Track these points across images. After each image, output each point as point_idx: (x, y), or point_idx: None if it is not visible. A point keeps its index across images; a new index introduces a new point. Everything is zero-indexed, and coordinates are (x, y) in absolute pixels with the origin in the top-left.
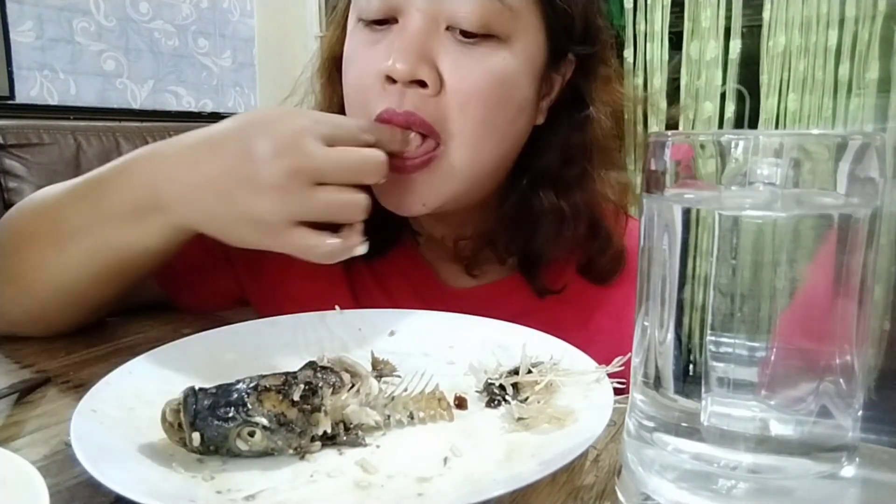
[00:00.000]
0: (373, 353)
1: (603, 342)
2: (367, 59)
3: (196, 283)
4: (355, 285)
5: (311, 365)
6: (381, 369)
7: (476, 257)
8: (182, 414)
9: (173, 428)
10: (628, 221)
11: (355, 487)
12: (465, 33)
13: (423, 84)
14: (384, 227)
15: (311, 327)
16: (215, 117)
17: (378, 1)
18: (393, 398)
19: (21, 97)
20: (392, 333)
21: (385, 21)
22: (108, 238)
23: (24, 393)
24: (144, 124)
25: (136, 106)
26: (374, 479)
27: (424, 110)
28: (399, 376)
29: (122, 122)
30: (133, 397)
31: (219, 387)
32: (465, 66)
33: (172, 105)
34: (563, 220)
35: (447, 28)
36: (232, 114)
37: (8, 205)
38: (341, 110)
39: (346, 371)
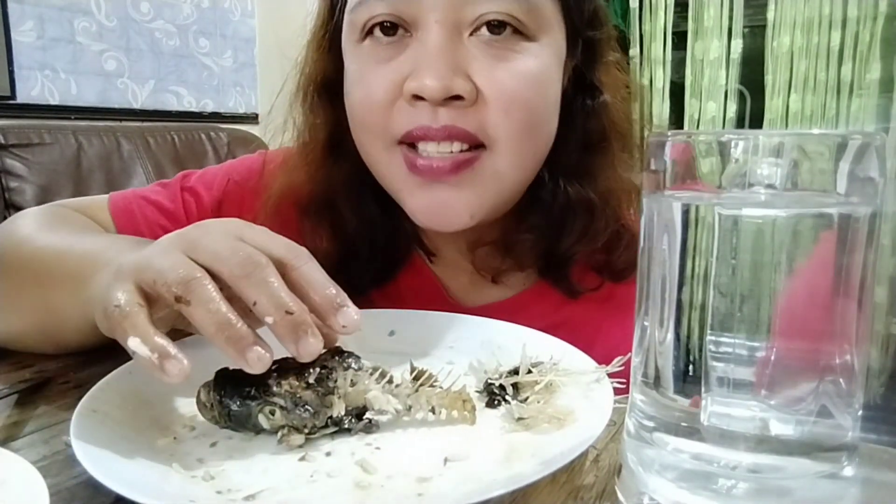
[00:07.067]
0: (412, 363)
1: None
2: (381, 76)
3: None
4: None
5: (333, 349)
6: (421, 379)
7: (497, 267)
8: (212, 393)
9: (206, 407)
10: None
11: (355, 487)
12: (492, 28)
13: (457, 97)
14: (391, 248)
15: None
16: (216, 117)
17: (385, 9)
18: (417, 390)
19: (22, 97)
20: (392, 333)
21: (394, 29)
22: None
23: (24, 393)
24: (145, 124)
25: (136, 106)
26: (374, 479)
27: (464, 121)
28: (440, 387)
29: (122, 122)
30: (133, 397)
31: None
32: (500, 69)
33: (173, 105)
34: (593, 210)
35: (471, 34)
36: (233, 114)
37: (8, 204)
38: (329, 140)
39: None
